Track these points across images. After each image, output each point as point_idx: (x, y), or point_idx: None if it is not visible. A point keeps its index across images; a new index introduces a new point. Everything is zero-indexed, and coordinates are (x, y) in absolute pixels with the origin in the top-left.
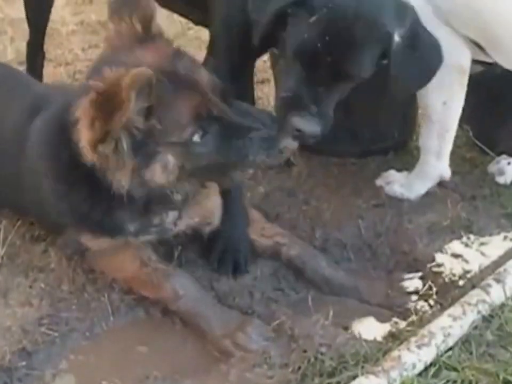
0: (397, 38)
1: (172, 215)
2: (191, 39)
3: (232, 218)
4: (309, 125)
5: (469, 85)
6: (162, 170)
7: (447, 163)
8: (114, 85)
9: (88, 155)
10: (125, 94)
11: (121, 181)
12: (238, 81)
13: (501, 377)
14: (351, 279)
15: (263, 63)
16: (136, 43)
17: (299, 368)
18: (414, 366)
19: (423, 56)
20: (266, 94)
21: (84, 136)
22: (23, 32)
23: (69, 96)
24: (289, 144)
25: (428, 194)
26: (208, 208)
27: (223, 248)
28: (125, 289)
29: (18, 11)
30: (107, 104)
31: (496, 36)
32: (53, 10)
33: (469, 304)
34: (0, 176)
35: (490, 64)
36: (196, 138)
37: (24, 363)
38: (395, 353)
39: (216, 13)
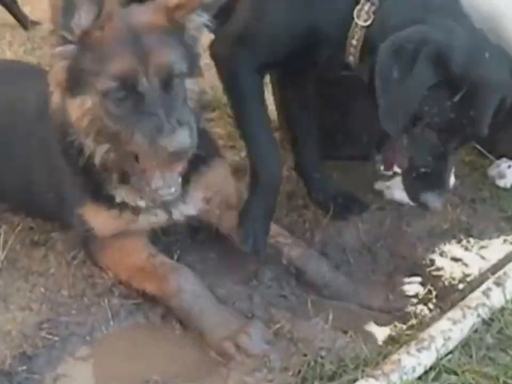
0: None
1: (155, 182)
2: None
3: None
4: (438, 203)
5: None
6: (79, 107)
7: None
8: None
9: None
10: None
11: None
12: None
13: (501, 381)
14: (351, 283)
15: None
16: None
17: (299, 371)
18: (414, 370)
19: None
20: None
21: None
22: (21, 36)
23: None
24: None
25: None
26: (212, 184)
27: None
28: (125, 293)
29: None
30: None
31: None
32: None
33: (469, 307)
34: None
35: None
36: (113, 97)
37: (24, 367)
38: (395, 356)
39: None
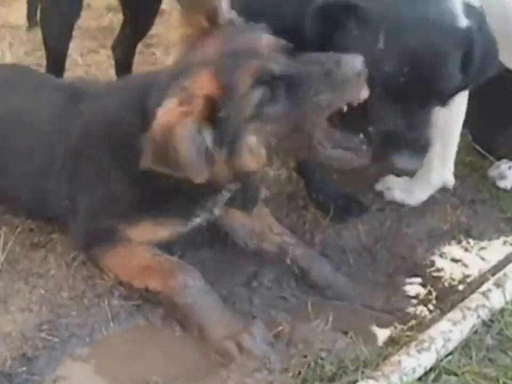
0: (476, 35)
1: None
2: None
3: None
4: (411, 164)
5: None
6: (250, 154)
7: (451, 170)
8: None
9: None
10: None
11: (220, 176)
12: None
13: (501, 382)
14: (352, 284)
15: None
16: (205, 37)
17: (299, 373)
18: (414, 371)
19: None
20: None
21: None
22: (21, 38)
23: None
24: (350, 66)
25: (427, 199)
26: None
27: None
28: (125, 294)
29: (17, 17)
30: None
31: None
32: None
33: (469, 308)
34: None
35: None
36: (264, 101)
37: (24, 368)
38: (395, 358)
39: None
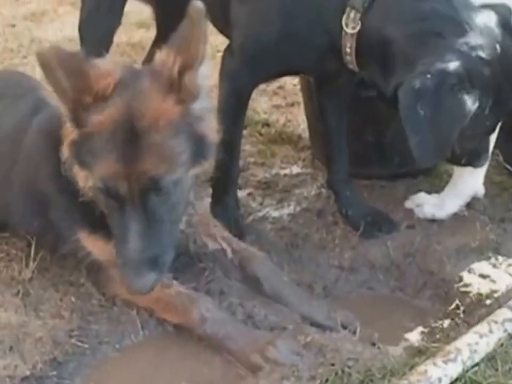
0: None
1: None
2: None
3: None
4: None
5: None
6: (84, 180)
7: (481, 180)
8: None
9: None
10: None
11: None
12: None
13: None
14: (297, 290)
15: (293, 86)
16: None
17: (326, 380)
18: (440, 380)
19: None
20: (295, 116)
21: None
22: None
23: None
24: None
25: (457, 216)
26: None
27: None
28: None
29: (47, 32)
30: None
31: None
32: None
33: (496, 322)
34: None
35: None
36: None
37: (54, 372)
38: (422, 367)
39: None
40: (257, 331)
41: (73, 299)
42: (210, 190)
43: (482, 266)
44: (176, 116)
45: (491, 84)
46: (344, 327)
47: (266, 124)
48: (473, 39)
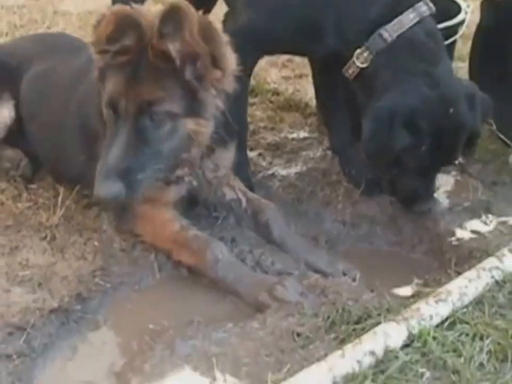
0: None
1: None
2: None
3: None
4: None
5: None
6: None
7: None
8: None
9: None
10: None
11: None
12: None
13: (510, 333)
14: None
15: (301, 59)
16: None
17: (328, 317)
18: (431, 318)
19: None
20: (303, 86)
21: None
22: (74, 24)
23: None
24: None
25: (451, 180)
26: (222, 164)
27: None
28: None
29: (69, 4)
30: None
31: None
32: None
33: (484, 269)
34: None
35: None
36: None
37: (79, 307)
38: (415, 306)
39: None
40: (265, 275)
41: (96, 243)
42: None
43: (474, 223)
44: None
45: (431, 131)
46: (345, 275)
47: (276, 93)
48: (436, 95)
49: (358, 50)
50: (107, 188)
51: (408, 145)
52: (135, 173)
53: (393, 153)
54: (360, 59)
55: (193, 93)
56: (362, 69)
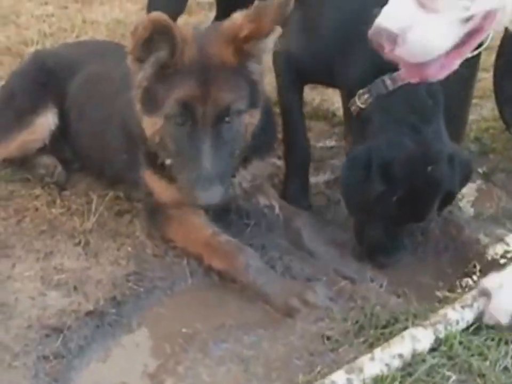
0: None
1: None
2: None
3: None
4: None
5: None
6: (152, 126)
7: None
8: None
9: None
10: None
11: None
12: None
13: None
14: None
15: None
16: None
17: (357, 322)
18: (457, 323)
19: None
20: (330, 96)
21: None
22: (102, 33)
23: None
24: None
25: (476, 189)
26: (258, 174)
27: None
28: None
29: (97, 14)
30: None
31: None
32: None
33: None
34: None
35: None
36: (174, 121)
37: (114, 310)
38: (442, 311)
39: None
40: (295, 280)
41: (129, 249)
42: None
43: (498, 231)
44: (235, 62)
45: (405, 183)
46: (372, 281)
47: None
48: (417, 150)
49: (361, 91)
50: (211, 195)
51: (379, 193)
52: (227, 175)
53: (367, 199)
54: (361, 99)
55: (254, 85)
56: (361, 109)
